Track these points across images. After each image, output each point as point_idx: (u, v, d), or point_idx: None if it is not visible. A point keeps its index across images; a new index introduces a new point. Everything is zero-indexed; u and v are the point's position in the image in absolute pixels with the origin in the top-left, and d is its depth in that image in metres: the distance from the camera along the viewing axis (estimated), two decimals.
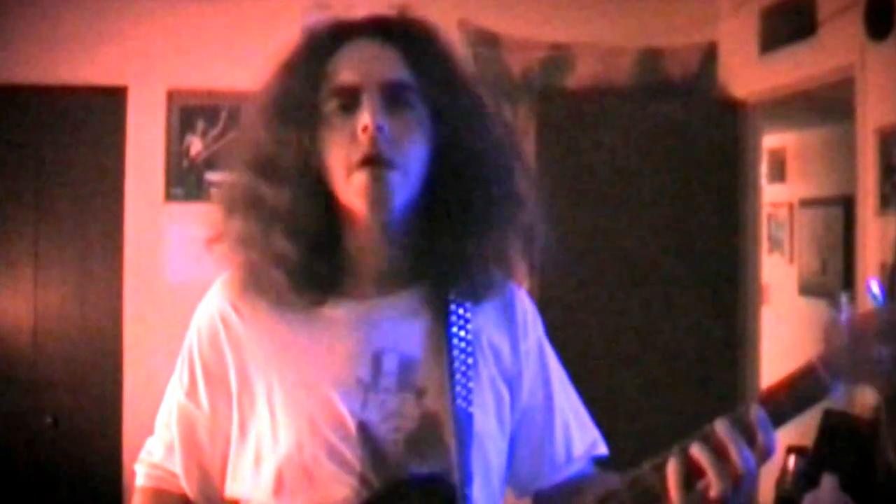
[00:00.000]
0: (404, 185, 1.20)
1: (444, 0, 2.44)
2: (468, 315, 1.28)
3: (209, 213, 1.29)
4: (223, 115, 3.84)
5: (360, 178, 1.19)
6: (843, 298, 1.16)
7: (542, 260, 1.31)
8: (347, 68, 1.23)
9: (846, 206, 4.63)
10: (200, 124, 3.88)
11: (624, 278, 3.80)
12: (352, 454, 1.20)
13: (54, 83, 3.83)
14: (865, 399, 2.93)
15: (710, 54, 4.08)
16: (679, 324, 3.81)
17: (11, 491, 3.72)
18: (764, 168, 4.53)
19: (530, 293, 1.41)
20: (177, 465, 1.32)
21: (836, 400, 1.12)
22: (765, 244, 5.10)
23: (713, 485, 1.07)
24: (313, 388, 1.22)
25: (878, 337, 1.09)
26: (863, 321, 1.11)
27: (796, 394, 1.12)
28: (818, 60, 3.37)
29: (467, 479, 1.21)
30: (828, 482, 2.58)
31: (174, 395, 1.33)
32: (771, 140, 5.26)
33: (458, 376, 1.24)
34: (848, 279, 4.60)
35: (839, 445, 2.93)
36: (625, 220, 3.82)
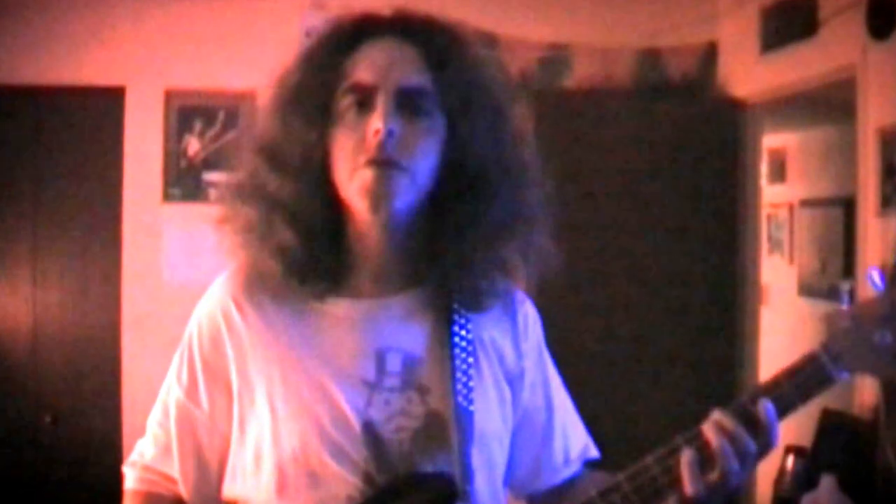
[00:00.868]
0: (409, 188, 1.19)
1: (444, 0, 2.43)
2: (470, 315, 1.27)
3: (217, 199, 1.29)
4: (221, 115, 3.83)
5: (364, 175, 1.18)
6: (845, 287, 1.19)
7: (542, 266, 1.30)
8: (365, 67, 1.21)
9: (846, 206, 4.62)
10: (198, 124, 3.88)
11: (624, 278, 3.80)
12: (357, 453, 1.19)
13: (52, 83, 3.82)
14: (865, 399, 2.93)
15: (710, 54, 4.07)
16: (679, 324, 3.80)
17: (10, 491, 3.71)
18: (764, 168, 4.52)
19: (528, 292, 1.40)
20: (174, 467, 1.31)
21: (841, 380, 1.14)
22: (765, 244, 5.10)
23: (723, 472, 1.10)
24: (317, 386, 1.21)
25: (880, 322, 1.12)
26: (864, 308, 1.14)
27: (800, 382, 1.13)
28: (819, 60, 3.36)
29: (470, 476, 1.21)
30: (826, 482, 2.58)
31: (172, 395, 1.31)
32: (771, 140, 5.24)
33: (459, 375, 1.23)
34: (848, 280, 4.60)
35: (838, 445, 2.93)
36: (624, 220, 3.81)
